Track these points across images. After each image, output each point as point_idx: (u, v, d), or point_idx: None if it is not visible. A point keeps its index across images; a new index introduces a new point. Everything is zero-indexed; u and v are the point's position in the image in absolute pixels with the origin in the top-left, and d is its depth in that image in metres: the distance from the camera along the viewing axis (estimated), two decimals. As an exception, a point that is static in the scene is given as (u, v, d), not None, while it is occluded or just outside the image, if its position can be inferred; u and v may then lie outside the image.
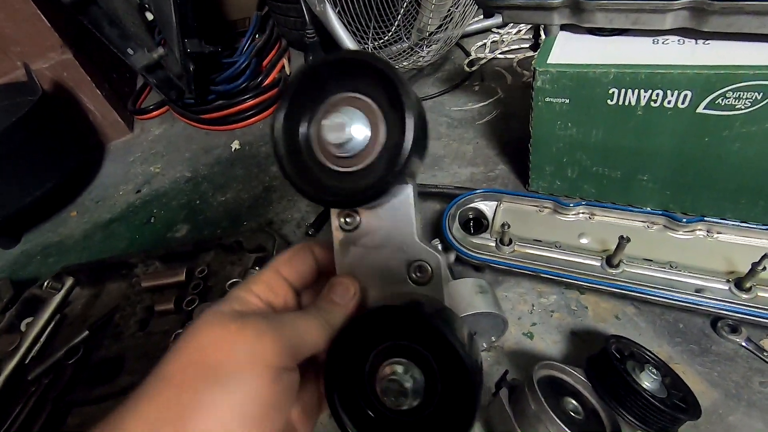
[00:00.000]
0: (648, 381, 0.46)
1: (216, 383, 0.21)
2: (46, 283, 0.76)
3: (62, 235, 1.10)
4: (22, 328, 0.74)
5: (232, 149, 1.21)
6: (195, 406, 0.20)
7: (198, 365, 0.21)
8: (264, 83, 1.31)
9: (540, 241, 0.68)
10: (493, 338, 0.62)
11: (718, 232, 0.62)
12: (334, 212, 0.29)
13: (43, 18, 1.15)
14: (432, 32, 1.11)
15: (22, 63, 1.16)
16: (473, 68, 1.20)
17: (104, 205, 1.16)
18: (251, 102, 1.26)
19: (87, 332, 0.77)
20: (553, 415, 0.42)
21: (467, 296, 0.58)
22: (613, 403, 0.45)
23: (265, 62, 1.35)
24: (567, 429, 0.42)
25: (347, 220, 0.28)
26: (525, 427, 0.44)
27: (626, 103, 0.61)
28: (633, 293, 0.59)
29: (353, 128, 0.23)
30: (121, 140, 1.39)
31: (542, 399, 0.44)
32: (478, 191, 0.75)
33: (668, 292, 0.57)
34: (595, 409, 0.48)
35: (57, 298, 0.76)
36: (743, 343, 0.56)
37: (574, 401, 0.47)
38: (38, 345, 0.72)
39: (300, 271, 0.29)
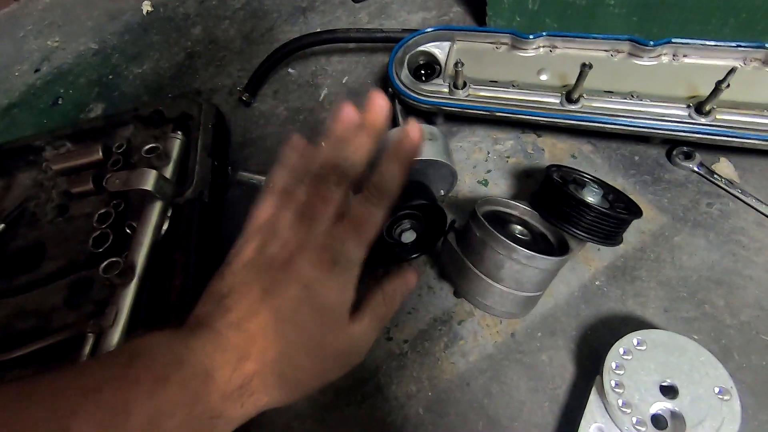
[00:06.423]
0: (590, 195, 0.45)
1: None
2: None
3: (-46, 128, 0.94)
4: None
5: (144, 12, 1.01)
6: None
7: None
8: (170, -74, 1.06)
9: (496, 81, 0.61)
10: (442, 191, 0.58)
11: (684, 55, 0.57)
12: None
13: None
14: None
15: None
16: None
17: (-2, 89, 0.98)
18: (157, -49, 1.03)
19: (3, 225, 0.69)
20: (496, 233, 0.40)
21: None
22: (558, 221, 0.43)
23: None
24: (512, 243, 0.39)
25: None
26: (473, 257, 0.42)
27: None
28: (592, 124, 0.55)
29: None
30: (4, 12, 1.14)
31: (485, 223, 0.41)
32: (428, 30, 0.65)
33: (627, 119, 0.54)
34: (542, 232, 0.46)
35: (-47, 190, 0.65)
36: (695, 168, 0.55)
37: (520, 227, 0.45)
38: (-57, 241, 0.63)
39: None
